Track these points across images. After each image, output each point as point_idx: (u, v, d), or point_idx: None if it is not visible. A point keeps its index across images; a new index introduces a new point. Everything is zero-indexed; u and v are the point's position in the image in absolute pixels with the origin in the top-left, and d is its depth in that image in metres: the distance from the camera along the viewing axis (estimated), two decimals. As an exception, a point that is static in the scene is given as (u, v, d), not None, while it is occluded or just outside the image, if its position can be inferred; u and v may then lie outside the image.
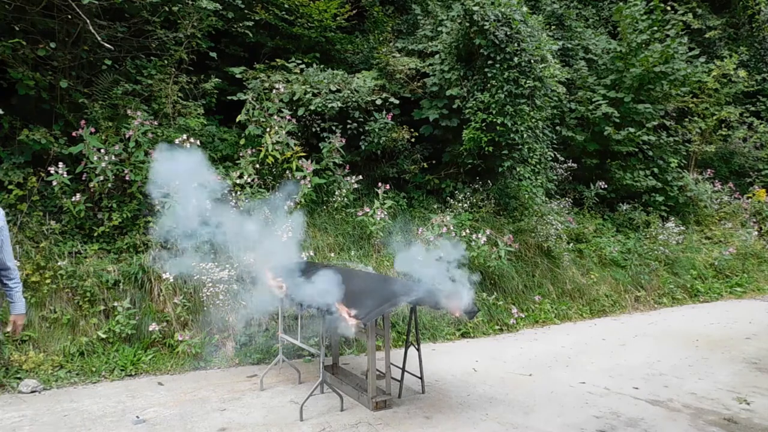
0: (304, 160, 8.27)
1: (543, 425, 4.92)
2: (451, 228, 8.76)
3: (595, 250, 10.66)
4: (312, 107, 8.75)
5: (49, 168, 6.87)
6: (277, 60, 9.39)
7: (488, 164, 9.88)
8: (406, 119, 10.00)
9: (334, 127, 8.93)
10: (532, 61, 9.33)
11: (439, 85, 9.83)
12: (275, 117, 8.29)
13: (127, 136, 7.22)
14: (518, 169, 10.12)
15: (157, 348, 6.63)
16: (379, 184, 8.84)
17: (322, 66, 9.54)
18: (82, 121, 7.08)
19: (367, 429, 4.80)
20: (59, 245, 6.89)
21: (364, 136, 9.25)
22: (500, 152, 9.48)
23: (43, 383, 5.81)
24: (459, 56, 9.74)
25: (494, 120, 9.07)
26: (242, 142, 8.31)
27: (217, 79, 8.57)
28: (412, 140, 9.77)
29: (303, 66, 9.31)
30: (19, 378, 5.83)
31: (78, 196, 6.95)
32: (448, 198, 9.85)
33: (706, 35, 15.43)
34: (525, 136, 9.52)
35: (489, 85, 9.19)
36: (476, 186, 10.01)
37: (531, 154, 10.51)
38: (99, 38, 6.82)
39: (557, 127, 11.93)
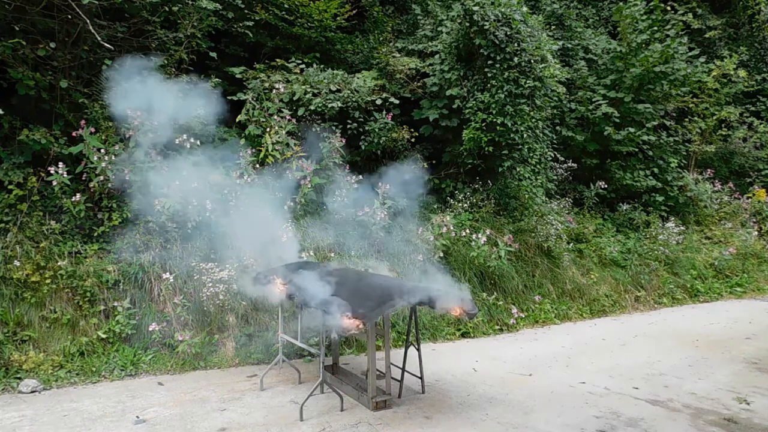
0: (304, 160, 8.27)
1: (543, 425, 4.91)
2: (451, 228, 8.76)
3: (595, 250, 10.66)
4: (312, 107, 8.75)
5: (49, 168, 6.87)
6: (277, 60, 9.39)
7: (488, 164, 9.88)
8: (406, 119, 9.99)
9: (334, 127, 8.93)
10: (532, 61, 9.33)
11: (439, 85, 9.83)
12: (275, 117, 8.29)
13: (127, 136, 7.22)
14: (518, 169, 10.12)
15: (157, 348, 6.63)
16: (379, 184, 8.83)
17: (322, 66, 9.54)
18: (82, 121, 7.08)
19: (367, 429, 4.80)
20: (59, 245, 6.89)
21: (364, 136, 9.25)
22: (500, 152, 9.48)
23: (43, 383, 5.82)
24: (459, 56, 9.74)
25: (494, 120, 9.07)
26: (242, 142, 8.30)
27: (217, 79, 8.57)
28: (412, 140, 9.77)
29: (303, 66, 9.31)
30: (19, 378, 5.83)
31: (78, 196, 6.95)
32: (448, 198, 9.85)
33: (706, 35, 15.43)
34: (525, 136, 9.52)
35: (489, 85, 9.19)
36: (476, 186, 10.01)
37: (531, 154, 10.51)
38: (99, 38, 6.82)
39: (557, 127, 11.93)
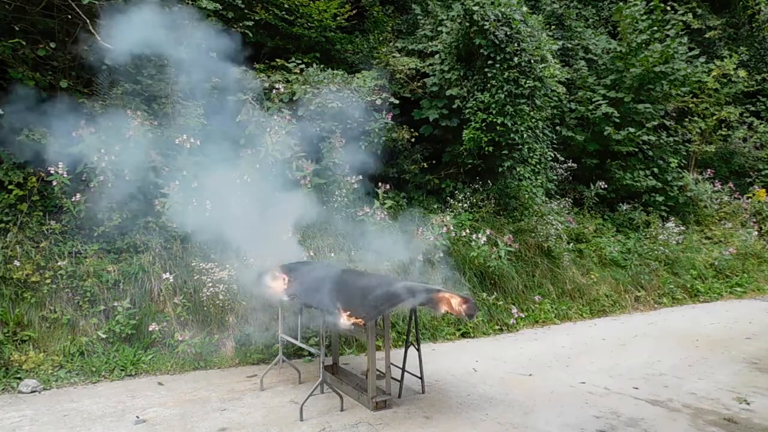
0: (304, 160, 8.26)
1: (543, 425, 4.91)
2: (451, 228, 8.76)
3: (595, 250, 10.66)
4: (312, 107, 8.74)
5: (49, 168, 6.86)
6: (277, 60, 9.38)
7: (488, 164, 9.88)
8: (406, 119, 9.99)
9: (334, 127, 8.92)
10: (532, 61, 9.34)
11: (439, 85, 9.83)
12: (275, 117, 8.29)
13: (127, 136, 7.21)
14: (518, 169, 10.12)
15: (157, 348, 6.63)
16: (379, 184, 8.83)
17: (322, 66, 9.53)
18: (82, 121, 7.07)
19: (367, 429, 4.80)
20: (59, 245, 6.89)
21: (364, 136, 9.24)
22: (500, 152, 9.48)
23: (43, 383, 5.82)
24: (459, 56, 9.74)
25: (494, 120, 9.07)
26: (242, 142, 8.29)
27: (216, 79, 8.55)
28: (412, 140, 9.77)
29: (303, 66, 9.31)
30: (19, 378, 5.83)
31: (78, 196, 6.94)
32: (448, 198, 9.85)
33: (706, 35, 15.43)
34: (525, 136, 9.53)
35: (489, 85, 9.20)
36: (476, 186, 10.01)
37: (531, 154, 10.51)
38: (99, 38, 6.82)
39: (557, 127, 11.93)
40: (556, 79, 10.76)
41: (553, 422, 4.98)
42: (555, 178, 11.53)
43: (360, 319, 4.73)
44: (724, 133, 14.72)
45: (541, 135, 11.01)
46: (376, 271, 7.82)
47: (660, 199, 12.23)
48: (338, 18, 10.14)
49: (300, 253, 7.19)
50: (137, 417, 5.04)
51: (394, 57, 10.00)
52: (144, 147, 7.26)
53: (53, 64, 7.17)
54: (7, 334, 6.13)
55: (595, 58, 12.80)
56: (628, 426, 4.92)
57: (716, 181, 13.61)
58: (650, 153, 12.62)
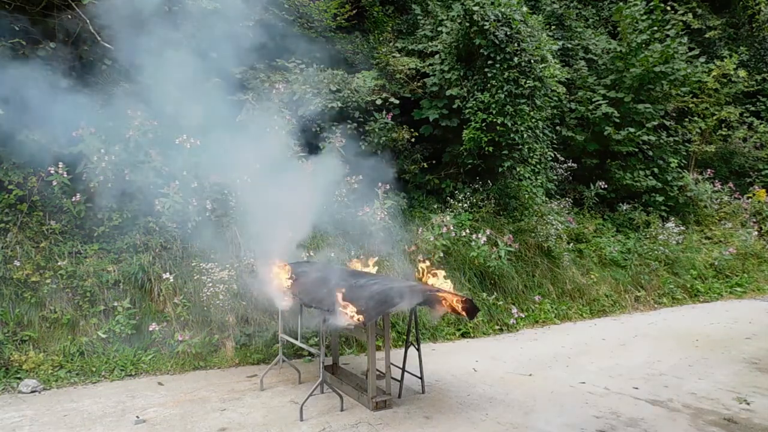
0: (304, 160, 8.27)
1: (543, 425, 4.91)
2: (451, 228, 8.76)
3: (595, 250, 10.66)
4: (312, 107, 8.74)
5: (49, 168, 6.86)
6: (277, 60, 9.38)
7: (488, 164, 9.87)
8: (406, 119, 9.99)
9: (334, 127, 8.92)
10: (532, 61, 9.33)
11: (439, 85, 9.83)
12: (275, 117, 8.28)
13: (127, 136, 7.21)
14: (518, 169, 10.12)
15: (157, 348, 6.63)
16: (379, 184, 8.83)
17: (322, 66, 9.53)
18: (82, 121, 7.07)
19: (367, 429, 4.80)
20: (59, 245, 6.89)
21: (364, 136, 9.24)
22: (500, 152, 9.48)
23: (43, 383, 5.82)
24: (459, 56, 9.74)
25: (494, 120, 9.07)
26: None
27: (217, 79, 8.55)
28: (412, 140, 9.77)
29: (303, 66, 9.31)
30: (19, 378, 5.83)
31: (78, 196, 6.94)
32: (448, 198, 9.85)
33: (706, 35, 15.43)
34: (525, 136, 9.52)
35: (489, 85, 9.19)
36: (476, 186, 10.01)
37: (531, 154, 10.51)
38: (99, 38, 6.82)
39: (557, 127, 11.93)
40: (556, 79, 10.76)
41: (553, 422, 4.98)
42: (555, 178, 11.53)
43: (361, 315, 4.72)
44: (724, 133, 14.72)
45: (541, 135, 11.01)
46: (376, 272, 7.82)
47: (660, 199, 12.23)
48: (338, 18, 10.14)
49: (300, 252, 7.20)
50: (137, 417, 5.04)
51: (394, 57, 9.99)
52: (144, 147, 7.27)
53: (53, 64, 7.16)
54: (7, 334, 6.13)
55: (595, 58, 12.81)
56: (628, 426, 4.92)
57: (716, 181, 13.61)
58: (650, 153, 12.62)
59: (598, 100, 11.72)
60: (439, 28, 10.32)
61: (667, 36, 12.05)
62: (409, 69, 9.95)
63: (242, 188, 7.48)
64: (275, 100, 8.42)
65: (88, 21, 6.71)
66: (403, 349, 5.86)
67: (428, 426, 4.88)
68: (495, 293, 8.74)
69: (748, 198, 13.72)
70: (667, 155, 12.80)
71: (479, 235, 8.67)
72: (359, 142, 9.22)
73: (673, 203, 12.56)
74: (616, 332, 8.38)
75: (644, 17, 12.19)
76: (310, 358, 6.79)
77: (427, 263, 5.80)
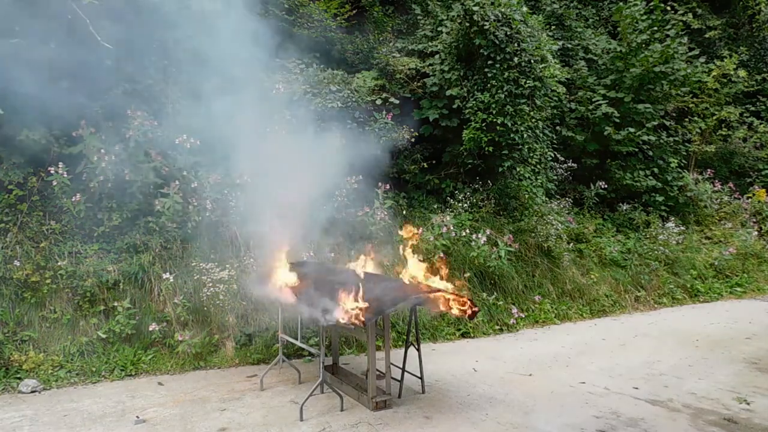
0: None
1: (543, 425, 4.91)
2: (451, 228, 8.76)
3: (595, 250, 10.66)
4: (312, 107, 8.74)
5: (49, 168, 6.87)
6: (277, 60, 9.37)
7: (488, 164, 9.87)
8: (406, 119, 9.99)
9: (334, 127, 8.91)
10: (532, 61, 9.33)
11: (439, 85, 9.83)
12: (275, 117, 8.28)
13: (127, 136, 7.22)
14: (518, 169, 10.12)
15: (157, 348, 6.63)
16: (379, 184, 8.83)
17: (322, 66, 9.53)
18: (82, 121, 7.07)
19: (367, 429, 4.80)
20: (59, 245, 6.89)
21: (363, 136, 9.23)
22: (500, 152, 9.48)
23: (43, 383, 5.82)
24: (459, 56, 9.74)
25: (494, 120, 9.07)
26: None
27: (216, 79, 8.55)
28: (412, 140, 9.77)
29: (303, 66, 9.30)
30: (19, 378, 5.83)
31: (78, 196, 6.94)
32: (448, 198, 9.85)
33: (706, 35, 15.43)
34: (525, 136, 9.52)
35: (489, 85, 9.19)
36: (476, 186, 10.01)
37: (531, 154, 10.50)
38: (99, 38, 6.81)
39: (557, 127, 11.92)
40: (556, 79, 10.76)
41: (553, 422, 4.98)
42: (555, 178, 11.53)
43: (361, 315, 4.72)
44: (724, 133, 14.72)
45: (541, 135, 11.00)
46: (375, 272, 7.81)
47: (660, 199, 12.23)
48: (338, 18, 10.13)
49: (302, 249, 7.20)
50: (137, 417, 5.04)
51: (394, 57, 9.99)
52: (144, 147, 7.27)
53: (53, 64, 7.15)
54: (7, 334, 6.13)
55: (595, 58, 12.80)
56: (628, 426, 4.92)
57: (716, 181, 13.61)
58: (650, 153, 12.61)
59: (598, 100, 11.71)
60: (439, 28, 10.32)
61: (667, 36, 12.04)
62: (409, 69, 9.95)
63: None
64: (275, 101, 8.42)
65: (88, 21, 6.69)
66: (403, 349, 5.86)
67: (428, 426, 4.88)
68: (495, 293, 8.74)
69: (748, 198, 13.72)
70: (667, 155, 12.80)
71: (479, 235, 8.67)
72: (359, 142, 9.22)
73: (673, 203, 12.56)
74: (616, 332, 8.38)
75: (644, 17, 12.19)
76: (310, 358, 6.79)
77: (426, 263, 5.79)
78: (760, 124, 15.23)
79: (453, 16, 9.84)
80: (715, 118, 14.03)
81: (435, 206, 9.82)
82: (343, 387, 5.62)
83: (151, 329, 6.53)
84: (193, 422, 4.96)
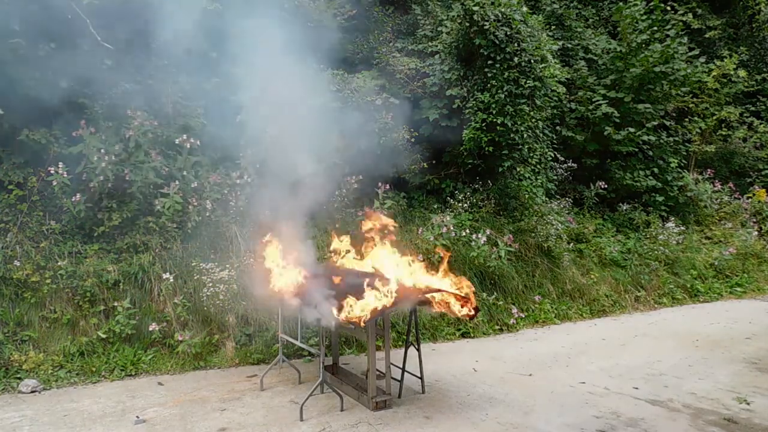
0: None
1: (543, 425, 4.91)
2: (451, 228, 8.76)
3: (595, 250, 10.66)
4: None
5: (49, 168, 6.87)
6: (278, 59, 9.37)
7: (488, 164, 9.87)
8: (406, 119, 9.98)
9: (334, 127, 8.91)
10: (532, 61, 9.33)
11: (439, 85, 9.82)
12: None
13: (127, 136, 7.22)
14: (518, 169, 10.12)
15: (157, 348, 6.63)
16: (379, 184, 8.83)
17: (322, 66, 9.52)
18: (82, 121, 7.07)
19: (367, 429, 4.80)
20: (59, 245, 6.89)
21: (363, 136, 9.22)
22: (500, 152, 9.48)
23: (43, 383, 5.82)
24: (459, 56, 9.74)
25: (494, 120, 9.07)
26: (242, 142, 8.29)
27: (216, 79, 8.55)
28: (412, 140, 9.77)
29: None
30: (19, 378, 5.83)
31: (78, 196, 6.94)
32: (448, 198, 9.85)
33: (706, 35, 15.42)
34: (525, 136, 9.52)
35: (489, 85, 9.19)
36: (476, 186, 10.00)
37: (531, 154, 10.50)
38: (99, 38, 6.81)
39: (557, 127, 11.92)
40: (556, 79, 10.75)
41: (553, 422, 4.98)
42: (555, 178, 11.53)
43: (361, 315, 4.72)
44: (724, 133, 14.72)
45: (541, 135, 11.00)
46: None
47: (660, 199, 12.23)
48: (338, 18, 10.12)
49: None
50: (137, 417, 5.04)
51: (394, 57, 9.99)
52: (144, 147, 7.27)
53: (53, 64, 7.15)
54: (7, 334, 6.13)
55: (595, 58, 12.80)
56: (628, 426, 4.92)
57: (716, 181, 13.61)
58: (650, 153, 12.61)
59: (598, 100, 11.71)
60: (439, 28, 10.32)
61: (667, 36, 12.04)
62: (409, 69, 9.95)
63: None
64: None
65: (88, 21, 6.70)
66: (403, 349, 5.85)
67: (428, 426, 4.88)
68: (495, 293, 8.74)
69: (748, 198, 13.72)
70: (667, 155, 12.80)
71: (479, 235, 8.67)
72: (359, 142, 9.22)
73: (673, 203, 12.56)
74: (616, 332, 8.38)
75: (644, 17, 12.19)
76: (310, 358, 6.79)
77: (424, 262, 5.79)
78: (760, 124, 15.23)
79: (453, 16, 9.84)
80: (715, 118, 14.03)
81: (435, 206, 9.82)
82: (343, 387, 5.62)
83: (151, 329, 6.53)
84: (193, 422, 4.96)
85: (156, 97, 7.78)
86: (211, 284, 6.79)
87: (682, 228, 11.71)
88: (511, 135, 9.28)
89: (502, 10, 9.11)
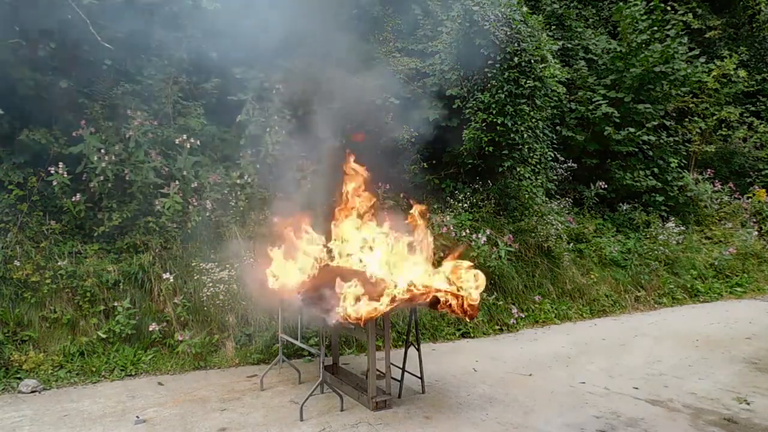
0: (304, 160, 8.27)
1: (543, 425, 4.92)
2: (451, 228, 8.76)
3: (595, 250, 10.66)
4: (312, 107, 8.73)
5: (49, 168, 6.87)
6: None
7: (488, 164, 9.87)
8: (406, 119, 9.98)
9: (333, 127, 8.91)
10: (532, 61, 9.32)
11: (439, 85, 9.82)
12: (275, 117, 8.29)
13: (127, 136, 7.22)
14: (518, 169, 10.11)
15: (157, 348, 6.63)
16: (379, 184, 8.82)
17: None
18: (82, 121, 7.08)
19: (367, 429, 4.80)
20: (59, 245, 6.89)
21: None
22: (500, 152, 9.47)
23: (43, 383, 5.82)
24: (459, 56, 9.73)
25: (494, 120, 9.06)
26: (242, 142, 8.30)
27: (217, 79, 8.55)
28: (412, 140, 9.76)
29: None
30: (19, 378, 5.83)
31: (78, 196, 6.95)
32: (448, 198, 9.85)
33: (706, 35, 15.42)
34: (525, 136, 9.51)
35: (489, 85, 9.19)
36: (476, 186, 10.00)
37: (531, 154, 10.49)
38: (99, 38, 6.81)
39: (557, 127, 11.91)
40: (556, 79, 10.75)
41: (553, 422, 4.98)
42: (555, 178, 11.52)
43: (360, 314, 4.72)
44: (724, 133, 14.72)
45: (541, 135, 10.98)
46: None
47: (660, 199, 12.23)
48: (338, 18, 10.11)
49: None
50: (137, 417, 5.04)
51: (394, 57, 9.99)
52: (144, 147, 7.27)
53: (53, 64, 7.15)
54: (7, 334, 6.13)
55: (595, 58, 12.79)
56: (628, 426, 4.92)
57: (716, 181, 13.61)
58: (650, 153, 12.61)
59: (598, 100, 11.71)
60: (439, 28, 10.31)
61: (667, 36, 12.03)
62: (409, 69, 9.94)
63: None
64: (275, 100, 8.43)
65: (88, 21, 6.69)
66: (403, 349, 5.86)
67: (428, 426, 4.88)
68: (495, 293, 8.73)
69: (748, 198, 13.72)
70: (667, 155, 12.79)
71: (479, 235, 8.67)
72: (359, 142, 9.22)
73: (673, 203, 12.55)
74: (616, 332, 8.38)
75: (644, 17, 12.18)
76: (310, 358, 6.79)
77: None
78: (760, 124, 15.22)
79: (453, 16, 9.84)
80: (715, 118, 14.03)
81: (435, 206, 9.82)
82: (343, 387, 5.62)
83: (151, 329, 6.53)
84: (193, 422, 4.96)
85: (156, 97, 7.79)
86: (211, 284, 6.79)
87: (682, 228, 11.71)
88: (511, 135, 9.28)
89: (502, 10, 9.11)
